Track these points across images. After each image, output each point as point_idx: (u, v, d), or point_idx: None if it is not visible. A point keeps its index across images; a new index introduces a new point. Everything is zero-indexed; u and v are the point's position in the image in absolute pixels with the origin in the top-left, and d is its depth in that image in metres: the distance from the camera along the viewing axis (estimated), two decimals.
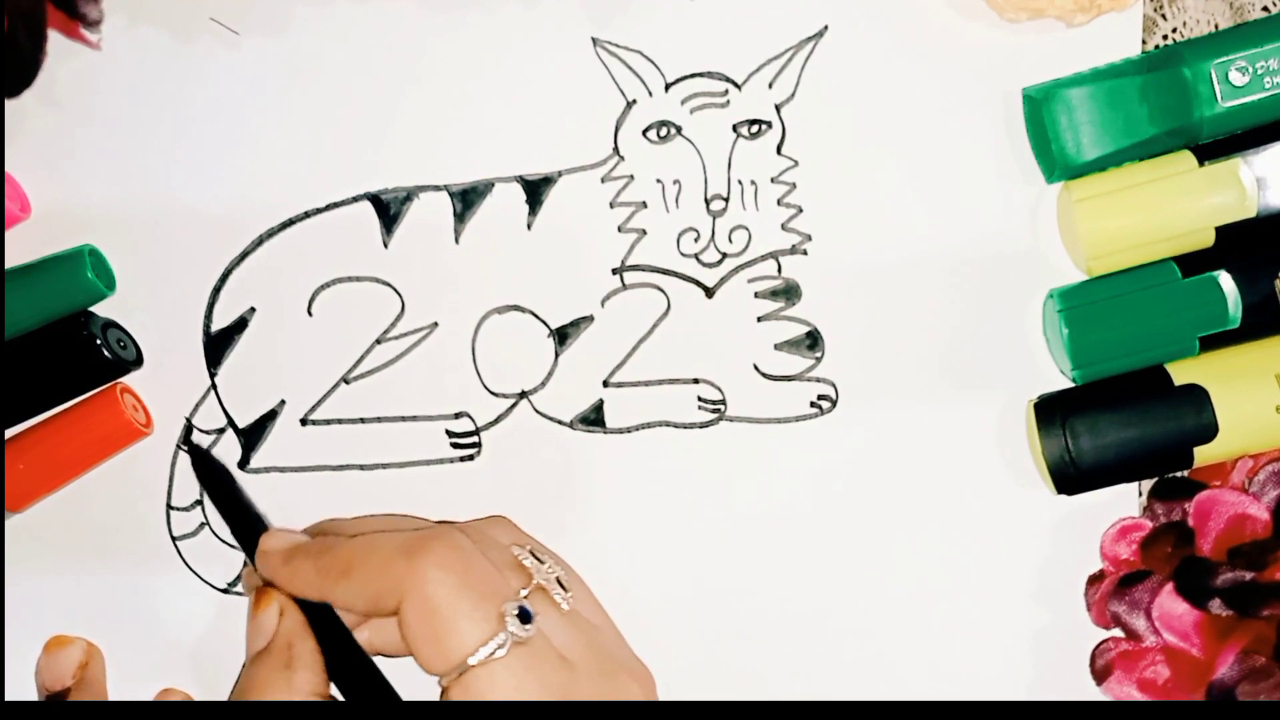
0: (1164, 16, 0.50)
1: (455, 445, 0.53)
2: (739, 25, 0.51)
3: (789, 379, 0.52)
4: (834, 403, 0.52)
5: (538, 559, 0.47)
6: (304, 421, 0.53)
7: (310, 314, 0.52)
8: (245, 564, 0.50)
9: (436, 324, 0.52)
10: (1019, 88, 0.50)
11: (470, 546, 0.45)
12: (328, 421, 0.53)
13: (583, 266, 0.52)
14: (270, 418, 0.53)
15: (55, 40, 0.50)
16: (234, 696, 0.47)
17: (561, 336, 0.52)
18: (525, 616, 0.43)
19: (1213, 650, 0.47)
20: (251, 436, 0.53)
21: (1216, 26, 0.50)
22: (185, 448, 0.53)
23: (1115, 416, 0.48)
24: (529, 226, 0.52)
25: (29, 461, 0.52)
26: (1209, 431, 0.47)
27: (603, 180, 0.52)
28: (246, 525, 0.49)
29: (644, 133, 0.51)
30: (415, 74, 0.52)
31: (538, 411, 0.52)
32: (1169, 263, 0.48)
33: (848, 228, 0.51)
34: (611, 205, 0.52)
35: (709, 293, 0.52)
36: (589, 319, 0.52)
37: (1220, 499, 0.48)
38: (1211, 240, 0.48)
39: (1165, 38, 0.50)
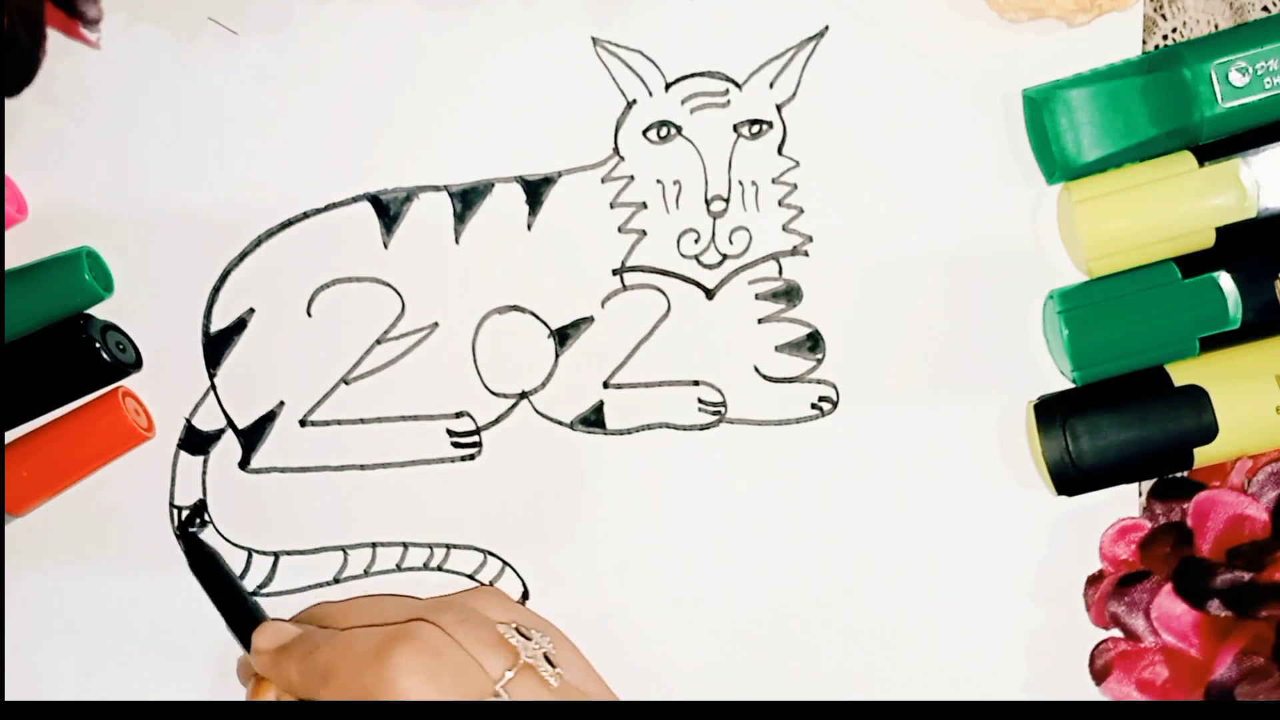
0: (1164, 16, 0.50)
1: (456, 445, 0.53)
2: (739, 25, 0.51)
3: (790, 381, 0.52)
4: (835, 404, 0.51)
5: (525, 635, 0.47)
6: (303, 423, 0.53)
7: (310, 314, 0.52)
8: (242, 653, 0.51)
9: (437, 324, 0.52)
10: (1019, 88, 0.50)
11: (442, 642, 0.45)
12: (327, 422, 0.53)
13: (583, 267, 0.52)
14: (269, 419, 0.53)
15: (54, 39, 0.50)
16: None
17: (562, 337, 0.52)
18: None
19: (1211, 651, 0.47)
20: (251, 437, 0.53)
21: (1216, 27, 0.50)
22: (180, 537, 0.53)
23: (1115, 417, 0.48)
24: (529, 227, 0.52)
25: (31, 466, 0.52)
26: (1209, 432, 0.47)
27: (603, 180, 0.52)
28: (242, 616, 0.51)
29: (644, 133, 0.51)
30: (415, 74, 0.51)
31: (538, 412, 0.52)
32: (1169, 263, 0.48)
33: (849, 229, 0.51)
34: (612, 206, 0.52)
35: (709, 294, 0.52)
36: (589, 320, 0.52)
37: (1219, 499, 0.48)
38: (1212, 241, 0.48)
39: (1165, 38, 0.50)
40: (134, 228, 0.52)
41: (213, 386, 0.53)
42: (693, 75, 0.51)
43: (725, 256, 0.51)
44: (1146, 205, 0.48)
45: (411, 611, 0.48)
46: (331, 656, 0.45)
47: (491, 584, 0.53)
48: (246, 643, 0.50)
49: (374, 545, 0.53)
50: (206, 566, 0.52)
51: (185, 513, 0.53)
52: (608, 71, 0.51)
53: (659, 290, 0.52)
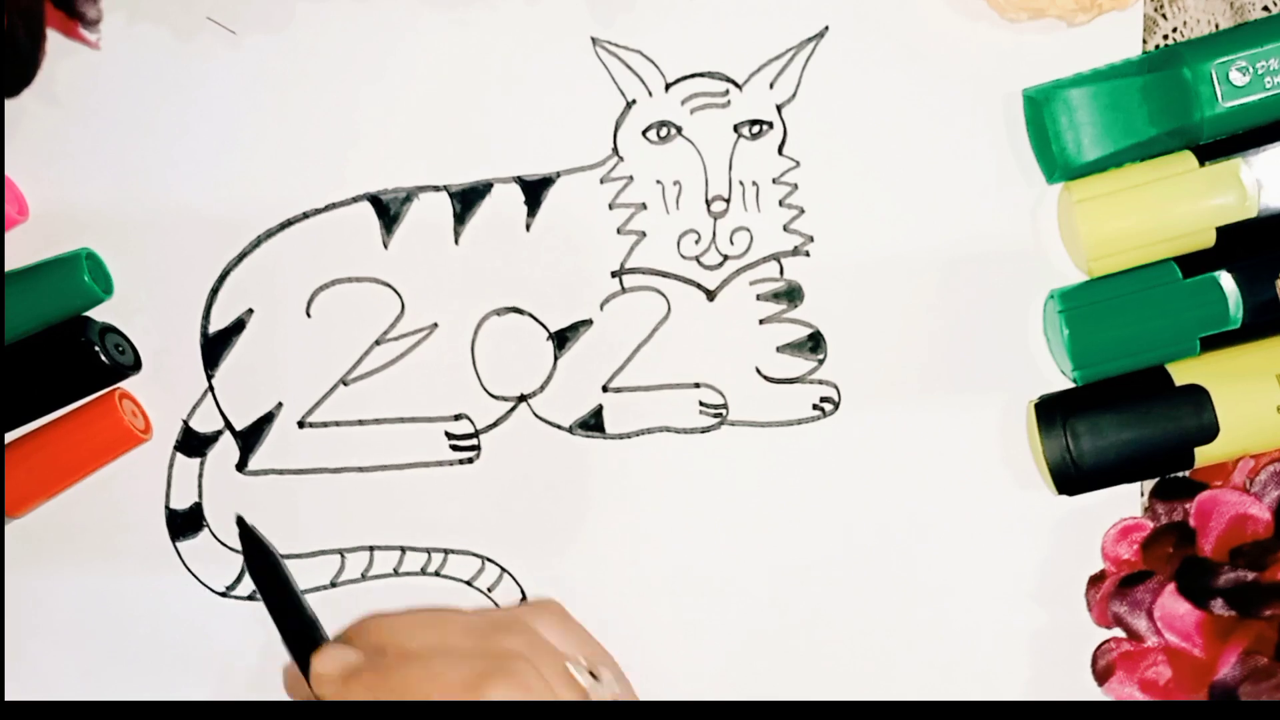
0: (1164, 16, 0.50)
1: (455, 447, 0.53)
2: (739, 25, 0.51)
3: (791, 382, 0.52)
4: (836, 405, 0.51)
5: (594, 675, 0.46)
6: (301, 424, 0.53)
7: (309, 315, 0.52)
8: (293, 668, 0.50)
9: (436, 325, 0.52)
10: (1019, 88, 0.50)
11: (535, 681, 0.44)
12: (325, 424, 0.53)
13: (582, 269, 0.52)
14: (267, 420, 0.53)
15: (54, 39, 0.50)
16: None
17: (561, 340, 0.52)
18: None
19: (1214, 650, 0.47)
20: (249, 439, 0.53)
21: (1217, 26, 0.50)
22: (240, 534, 0.52)
23: (1116, 417, 0.48)
24: (528, 228, 0.52)
25: (28, 468, 0.52)
26: (1210, 432, 0.47)
27: (602, 181, 0.51)
28: (300, 630, 0.49)
29: (644, 133, 0.51)
30: (415, 73, 0.51)
31: (537, 415, 0.52)
32: (1170, 263, 0.48)
33: (850, 229, 0.51)
34: (611, 207, 0.52)
35: (710, 295, 0.52)
36: (588, 322, 0.52)
37: (1221, 499, 0.48)
38: (1212, 241, 0.48)
39: (1165, 38, 0.50)
40: (133, 228, 0.52)
41: (210, 388, 0.53)
42: (693, 75, 0.51)
43: (726, 257, 0.51)
44: (1147, 205, 0.48)
45: (475, 631, 0.47)
46: (412, 684, 0.44)
47: (491, 590, 0.53)
48: (298, 656, 0.48)
49: (371, 549, 0.53)
50: (266, 571, 0.51)
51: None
52: (607, 72, 0.51)
53: (659, 292, 0.52)
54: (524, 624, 0.48)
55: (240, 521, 0.53)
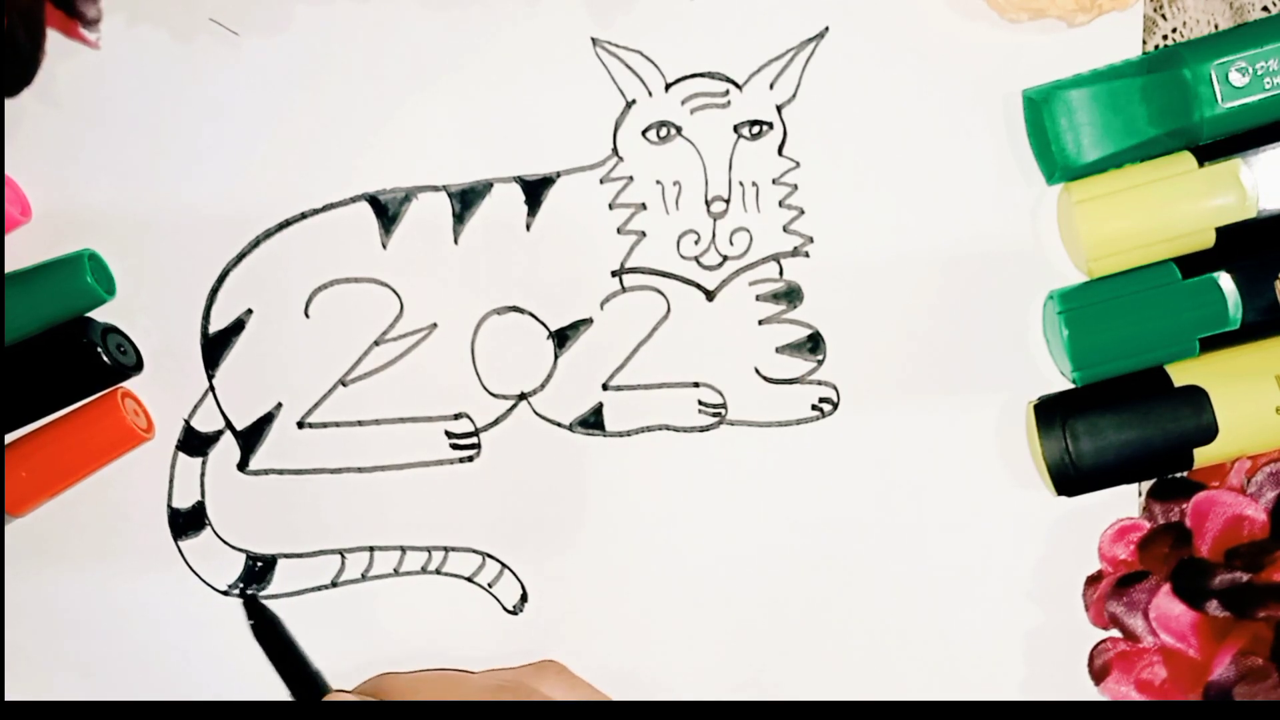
0: (1164, 17, 0.50)
1: (455, 446, 0.53)
2: (740, 25, 0.50)
3: (790, 382, 0.52)
4: (835, 405, 0.51)
5: None
6: (300, 425, 0.53)
7: (308, 315, 0.52)
8: None
9: (435, 325, 0.52)
10: (1019, 89, 0.50)
11: None
12: (324, 425, 0.53)
13: (582, 268, 0.52)
14: (268, 420, 0.53)
15: (54, 39, 0.50)
16: None
17: (561, 338, 0.52)
18: None
19: (1210, 651, 0.47)
20: (250, 439, 0.53)
21: (1216, 27, 0.50)
22: (242, 600, 0.53)
23: (1115, 418, 0.48)
24: (528, 227, 0.52)
25: (30, 467, 0.52)
26: (1209, 433, 0.47)
27: (602, 181, 0.51)
28: (304, 683, 0.52)
29: (644, 133, 0.51)
30: (414, 74, 0.51)
31: (537, 414, 0.52)
32: (1169, 264, 0.48)
33: (849, 229, 0.51)
34: (611, 206, 0.52)
35: (709, 296, 0.52)
36: (588, 321, 0.52)
37: (1218, 500, 0.48)
38: (1212, 241, 0.48)
39: (1165, 38, 0.50)
40: (133, 228, 0.52)
41: (211, 388, 0.53)
42: (693, 76, 0.51)
43: (725, 258, 0.51)
44: (1146, 205, 0.48)
45: (478, 692, 0.48)
46: None
47: (492, 585, 0.53)
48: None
49: (371, 549, 0.53)
50: (269, 631, 0.53)
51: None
52: (607, 72, 0.51)
53: (658, 292, 0.52)
54: (529, 687, 0.49)
55: (249, 599, 0.53)
